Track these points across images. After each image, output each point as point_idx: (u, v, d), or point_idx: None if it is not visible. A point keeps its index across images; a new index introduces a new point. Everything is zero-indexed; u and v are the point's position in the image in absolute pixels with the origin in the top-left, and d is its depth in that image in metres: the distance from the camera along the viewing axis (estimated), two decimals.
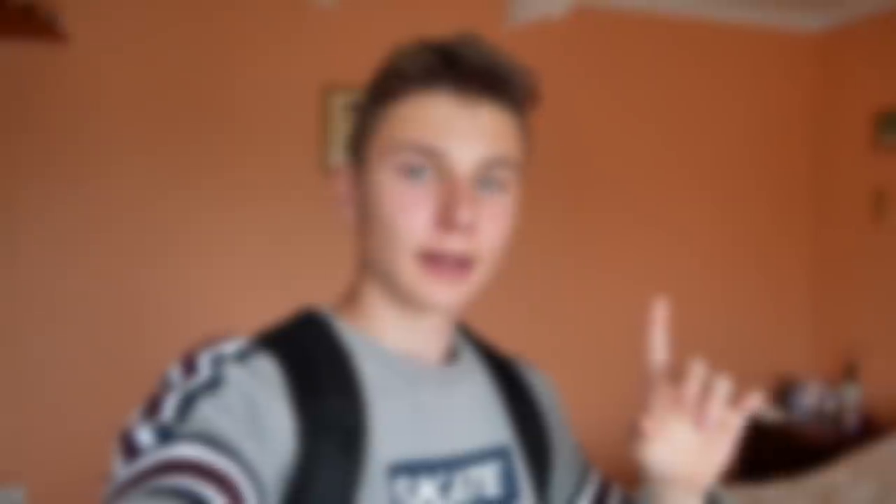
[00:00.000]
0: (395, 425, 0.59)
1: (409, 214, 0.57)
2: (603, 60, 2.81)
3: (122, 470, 0.47)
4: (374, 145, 0.61)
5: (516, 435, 0.68)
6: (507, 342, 0.81)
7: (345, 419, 0.56)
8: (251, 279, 2.51)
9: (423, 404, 0.62)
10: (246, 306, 2.43)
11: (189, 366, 0.53)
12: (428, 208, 0.57)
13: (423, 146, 0.57)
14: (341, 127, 2.62)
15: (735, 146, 2.99)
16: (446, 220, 0.56)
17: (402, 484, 0.57)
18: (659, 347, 0.60)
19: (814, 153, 3.12)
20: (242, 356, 0.55)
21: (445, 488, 0.60)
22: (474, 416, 0.66)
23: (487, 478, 0.63)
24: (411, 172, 0.58)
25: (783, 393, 3.06)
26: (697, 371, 0.56)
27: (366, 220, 0.62)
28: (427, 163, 0.58)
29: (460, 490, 0.61)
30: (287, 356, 0.57)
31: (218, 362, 0.53)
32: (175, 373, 0.53)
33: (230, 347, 0.56)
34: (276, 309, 0.65)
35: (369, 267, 0.64)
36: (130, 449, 0.48)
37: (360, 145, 0.63)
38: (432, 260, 0.57)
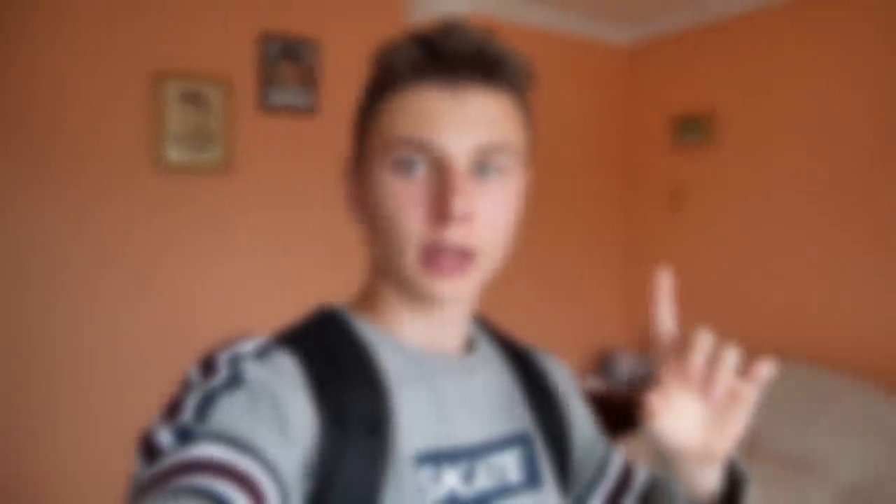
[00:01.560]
0: (417, 416, 0.59)
1: (407, 211, 0.57)
2: None
3: (143, 472, 0.46)
4: (370, 144, 0.60)
5: (536, 422, 0.69)
6: None
7: (368, 411, 0.56)
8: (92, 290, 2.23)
9: (443, 394, 0.62)
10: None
11: (208, 366, 0.53)
12: (424, 203, 0.57)
13: (414, 140, 0.56)
14: (177, 119, 2.42)
15: (560, 145, 3.26)
16: (441, 212, 0.55)
17: (426, 473, 0.57)
18: (665, 319, 0.57)
19: (624, 152, 3.52)
20: (262, 354, 0.55)
21: (469, 476, 0.60)
22: (494, 404, 0.67)
23: (509, 464, 0.64)
24: (405, 168, 0.57)
25: (602, 363, 3.45)
26: (703, 343, 0.53)
27: (370, 220, 0.62)
28: (419, 156, 0.57)
29: (483, 477, 0.61)
30: (307, 352, 0.57)
31: (237, 361, 0.53)
32: (194, 374, 0.53)
33: (249, 346, 0.55)
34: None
35: (379, 265, 0.64)
36: (151, 451, 0.47)
37: (359, 146, 0.63)
38: (433, 254, 0.57)
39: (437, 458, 0.59)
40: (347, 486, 0.53)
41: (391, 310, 0.64)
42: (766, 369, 0.53)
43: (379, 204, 0.59)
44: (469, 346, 0.69)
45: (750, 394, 0.54)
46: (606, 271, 3.50)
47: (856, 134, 2.60)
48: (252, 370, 0.52)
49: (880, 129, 2.50)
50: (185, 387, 0.52)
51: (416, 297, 0.61)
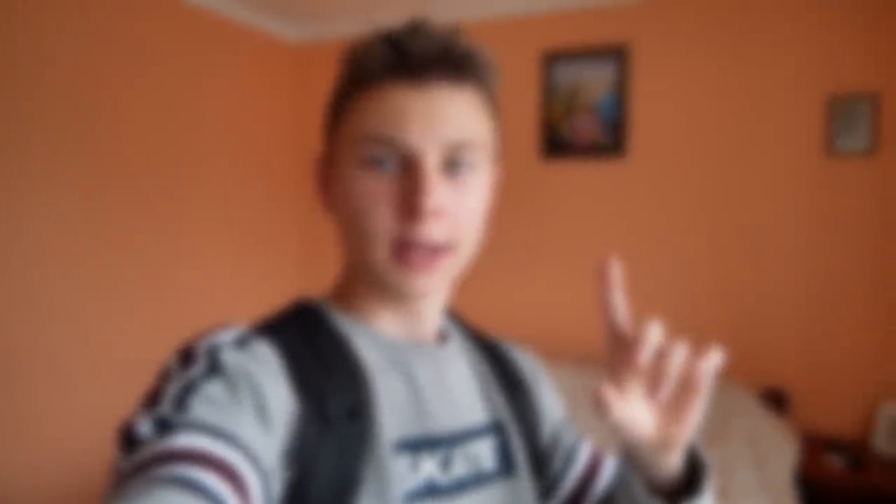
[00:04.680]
0: (395, 404, 0.60)
1: (377, 207, 0.57)
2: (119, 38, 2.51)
3: (122, 462, 0.45)
4: (340, 142, 0.61)
5: (508, 411, 0.70)
6: None
7: (347, 400, 0.56)
8: None
9: (419, 383, 0.63)
10: None
11: (187, 356, 0.52)
12: (393, 199, 0.57)
13: (383, 137, 0.57)
14: None
15: (229, 137, 3.01)
16: (411, 209, 0.56)
17: (404, 461, 0.58)
18: (614, 308, 0.54)
19: (294, 150, 3.39)
20: (240, 343, 0.54)
21: (446, 464, 0.61)
22: (468, 393, 0.68)
23: (484, 452, 0.65)
24: (374, 165, 0.58)
25: None
26: (651, 338, 0.50)
27: (342, 216, 0.62)
28: (388, 153, 0.57)
29: (460, 465, 0.62)
30: (285, 341, 0.57)
31: (215, 350, 0.52)
32: (173, 363, 0.52)
33: (227, 336, 0.54)
34: None
35: (351, 259, 0.64)
36: (130, 441, 0.46)
37: (330, 144, 0.64)
38: (404, 250, 0.58)
39: (415, 446, 0.59)
40: (327, 474, 0.53)
41: (365, 302, 0.65)
42: (715, 358, 0.51)
43: (349, 200, 0.59)
44: (442, 338, 0.70)
45: (703, 383, 0.52)
46: (280, 268, 3.46)
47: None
48: (231, 359, 0.52)
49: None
50: (164, 377, 0.51)
51: (388, 291, 0.62)
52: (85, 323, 2.36)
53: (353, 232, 0.60)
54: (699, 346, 0.52)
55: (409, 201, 0.57)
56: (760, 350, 2.50)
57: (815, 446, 2.27)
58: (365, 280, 0.64)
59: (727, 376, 2.38)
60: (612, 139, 2.74)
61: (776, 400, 2.40)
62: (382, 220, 0.58)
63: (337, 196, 0.62)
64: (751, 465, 1.89)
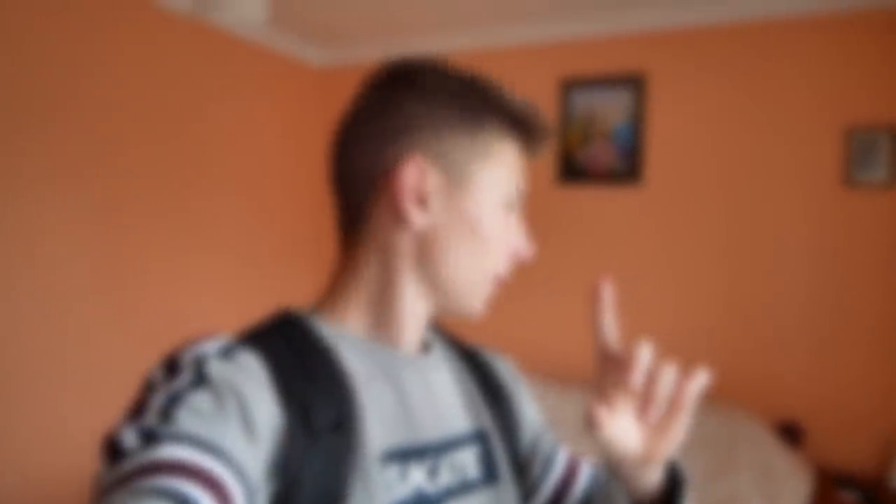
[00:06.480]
0: (383, 413, 0.60)
1: (504, 244, 0.67)
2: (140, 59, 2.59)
3: (107, 473, 0.46)
4: (481, 172, 0.64)
5: (491, 418, 0.71)
6: None
7: (332, 410, 0.56)
8: None
9: (407, 392, 0.64)
10: None
11: (172, 366, 0.52)
12: (512, 241, 0.68)
13: (521, 190, 0.69)
14: None
15: (251, 157, 3.07)
16: (524, 252, 0.69)
17: (393, 471, 0.58)
18: (606, 329, 0.58)
19: (321, 171, 3.54)
20: (226, 353, 0.54)
21: (433, 473, 0.62)
22: (452, 402, 0.69)
23: (469, 461, 0.66)
24: (509, 208, 0.67)
25: None
26: (643, 359, 0.52)
27: (448, 234, 0.64)
28: (518, 204, 0.69)
29: (446, 474, 0.63)
30: (271, 352, 0.57)
31: (201, 361, 0.52)
32: (158, 374, 0.52)
33: (213, 346, 0.54)
34: None
35: (419, 272, 0.65)
36: (115, 452, 0.46)
37: (455, 160, 0.63)
38: (498, 281, 0.68)
39: (404, 456, 0.60)
40: (313, 486, 0.53)
41: (403, 312, 0.65)
42: (702, 378, 0.54)
43: (480, 229, 0.64)
44: (425, 347, 0.72)
45: (688, 402, 0.54)
46: (302, 284, 3.49)
47: None
48: (217, 370, 0.52)
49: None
50: (149, 387, 0.51)
51: (458, 310, 0.67)
52: (100, 341, 2.40)
53: (466, 256, 0.65)
54: (702, 370, 0.54)
55: (524, 247, 0.69)
56: (775, 381, 2.47)
57: (829, 481, 2.23)
58: (425, 294, 0.66)
59: (740, 407, 2.35)
60: (628, 166, 2.75)
61: (790, 433, 2.36)
62: (502, 257, 0.67)
63: (458, 217, 0.64)
64: (762, 499, 1.87)
